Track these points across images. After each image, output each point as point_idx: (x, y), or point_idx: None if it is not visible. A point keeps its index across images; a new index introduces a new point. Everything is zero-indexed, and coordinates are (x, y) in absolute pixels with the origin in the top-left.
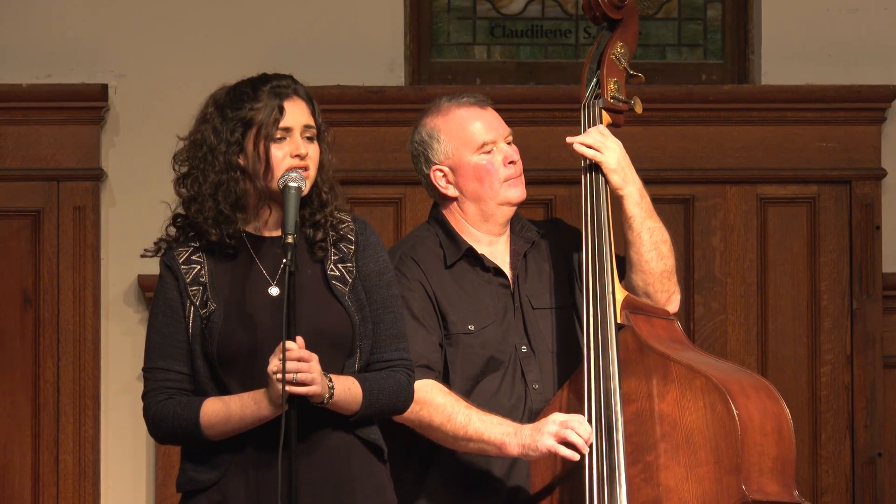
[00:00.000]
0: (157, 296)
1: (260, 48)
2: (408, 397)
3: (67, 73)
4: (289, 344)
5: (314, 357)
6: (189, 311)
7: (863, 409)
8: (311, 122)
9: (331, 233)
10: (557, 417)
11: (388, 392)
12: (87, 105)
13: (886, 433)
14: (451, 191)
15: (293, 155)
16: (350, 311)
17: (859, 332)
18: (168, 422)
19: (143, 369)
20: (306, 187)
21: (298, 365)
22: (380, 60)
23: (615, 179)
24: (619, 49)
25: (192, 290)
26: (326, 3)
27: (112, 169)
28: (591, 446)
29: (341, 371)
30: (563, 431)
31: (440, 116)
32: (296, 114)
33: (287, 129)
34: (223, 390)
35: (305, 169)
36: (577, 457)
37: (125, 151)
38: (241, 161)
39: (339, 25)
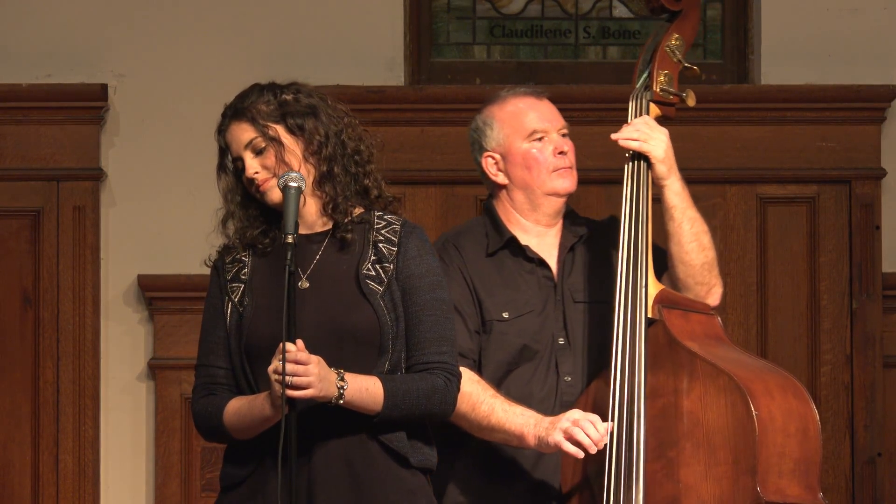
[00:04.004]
0: (207, 294)
1: (260, 48)
2: (444, 401)
3: (67, 73)
4: (287, 345)
5: (313, 359)
6: (227, 307)
7: (863, 408)
8: (252, 135)
9: (373, 234)
10: (573, 415)
11: (418, 394)
12: (86, 105)
13: (886, 433)
14: (501, 178)
15: (248, 180)
16: (380, 310)
17: (859, 332)
18: (202, 418)
19: (195, 366)
20: (272, 194)
21: (294, 368)
22: (380, 60)
23: (661, 169)
24: (674, 41)
25: (231, 287)
26: (327, 3)
27: (112, 169)
28: (610, 441)
29: (370, 371)
30: (572, 429)
31: (496, 105)
32: (237, 140)
33: (239, 159)
34: (251, 386)
35: (267, 181)
36: (580, 454)
37: (125, 151)
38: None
39: (339, 25)
